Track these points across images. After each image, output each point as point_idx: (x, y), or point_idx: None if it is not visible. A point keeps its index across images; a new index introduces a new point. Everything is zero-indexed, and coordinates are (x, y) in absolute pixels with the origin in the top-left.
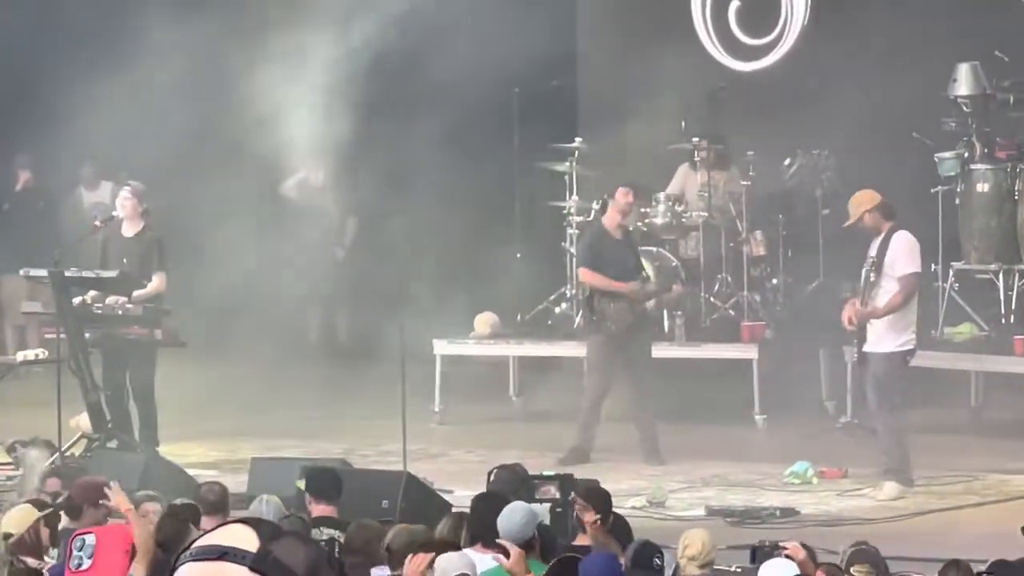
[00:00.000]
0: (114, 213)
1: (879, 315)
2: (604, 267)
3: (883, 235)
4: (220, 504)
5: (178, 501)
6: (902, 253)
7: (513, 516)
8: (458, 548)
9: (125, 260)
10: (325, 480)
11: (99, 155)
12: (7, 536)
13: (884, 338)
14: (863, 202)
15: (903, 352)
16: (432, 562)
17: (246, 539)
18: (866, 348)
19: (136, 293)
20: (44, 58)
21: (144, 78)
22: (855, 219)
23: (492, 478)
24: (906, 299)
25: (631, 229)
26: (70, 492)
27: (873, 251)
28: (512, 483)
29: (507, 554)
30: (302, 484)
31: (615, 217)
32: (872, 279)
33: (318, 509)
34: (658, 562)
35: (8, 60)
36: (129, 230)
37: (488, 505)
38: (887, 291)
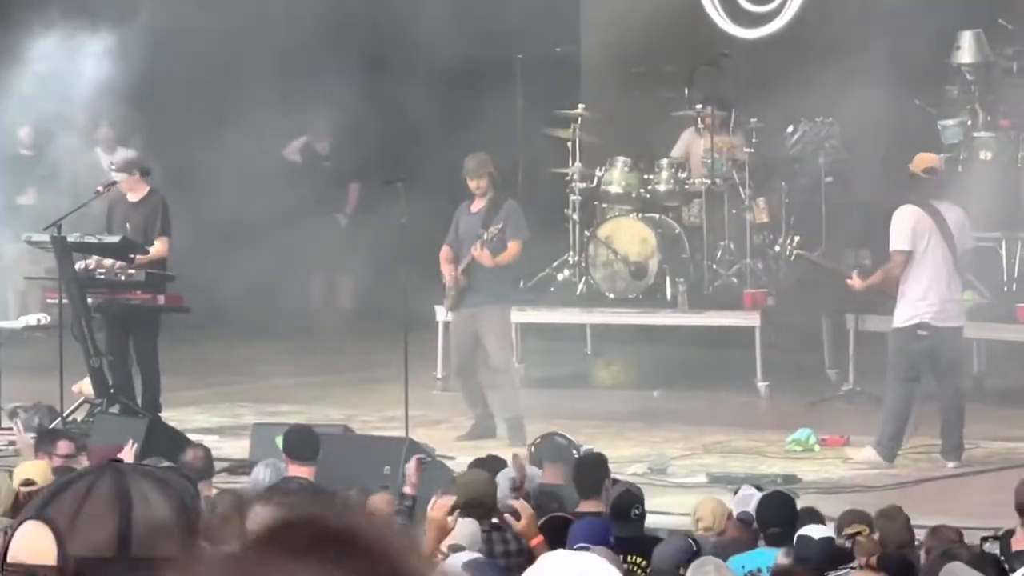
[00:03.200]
0: (116, 179)
1: (860, 288)
2: (460, 244)
3: None
4: (206, 470)
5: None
6: (892, 228)
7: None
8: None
9: (129, 225)
10: (301, 439)
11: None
12: (28, 482)
13: (895, 313)
14: (913, 163)
15: (909, 327)
16: (454, 510)
17: (45, 549)
18: None
19: (139, 258)
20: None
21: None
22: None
23: (535, 448)
24: (885, 277)
25: (493, 199)
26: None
27: None
28: (563, 448)
29: (518, 516)
30: (280, 442)
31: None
32: None
33: (294, 469)
34: (636, 512)
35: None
36: (134, 195)
37: (485, 469)
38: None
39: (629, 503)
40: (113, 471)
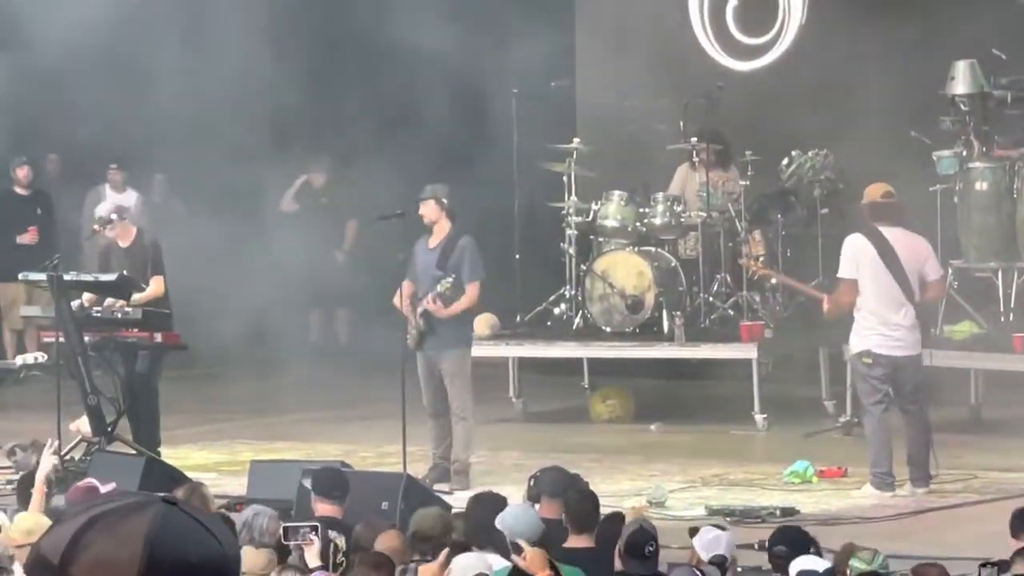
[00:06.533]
0: (112, 216)
1: (826, 311)
2: (417, 280)
3: None
4: (203, 508)
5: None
6: (841, 257)
7: (525, 515)
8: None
9: (125, 271)
10: (330, 480)
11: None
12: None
13: (849, 341)
14: (865, 194)
15: (855, 355)
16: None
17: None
18: None
19: (135, 297)
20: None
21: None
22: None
23: (534, 481)
24: (835, 304)
25: (449, 235)
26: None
27: None
28: (561, 483)
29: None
30: (308, 482)
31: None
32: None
33: (322, 508)
34: (650, 550)
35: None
36: (124, 241)
37: (484, 506)
38: None
39: (643, 541)
40: (148, 502)
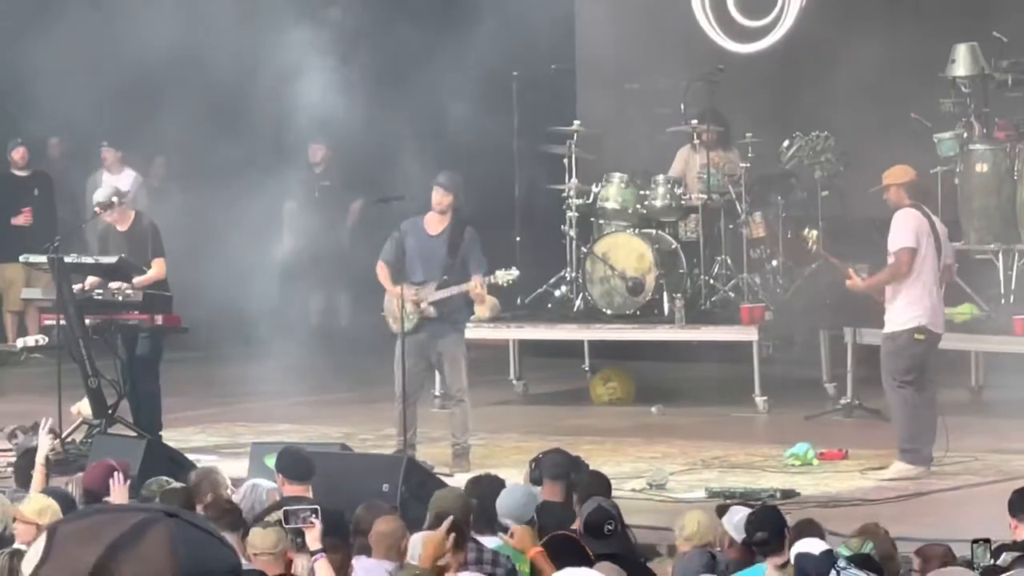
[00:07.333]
0: (113, 199)
1: (860, 288)
2: (409, 264)
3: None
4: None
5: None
6: (895, 228)
7: (513, 496)
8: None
9: (124, 254)
10: (294, 460)
11: (117, 141)
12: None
13: (889, 317)
14: (892, 175)
15: (907, 330)
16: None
17: (32, 559)
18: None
19: (137, 280)
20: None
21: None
22: (882, 187)
23: (536, 464)
24: (892, 275)
25: (455, 224)
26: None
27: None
28: (562, 466)
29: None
30: (271, 462)
31: (433, 212)
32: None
33: (290, 489)
34: (610, 528)
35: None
36: (122, 225)
37: (483, 488)
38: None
39: (603, 519)
40: (154, 519)
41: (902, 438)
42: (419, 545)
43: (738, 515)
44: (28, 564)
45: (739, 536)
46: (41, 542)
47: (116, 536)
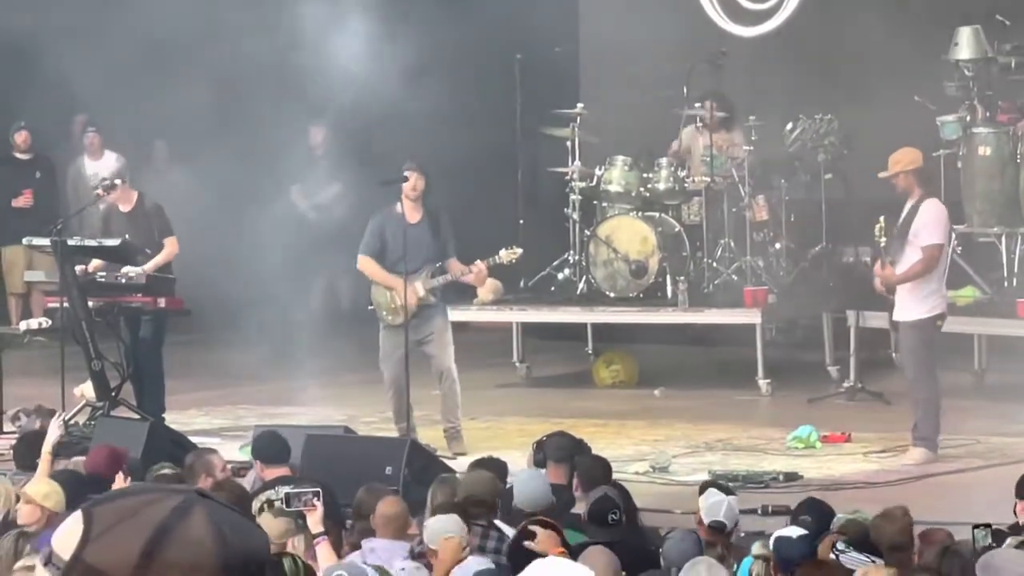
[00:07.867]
0: (116, 181)
1: (895, 282)
2: (395, 254)
3: (914, 201)
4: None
5: (166, 470)
6: (928, 223)
7: (532, 484)
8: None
9: (127, 235)
10: (268, 444)
11: (101, 124)
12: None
13: (909, 307)
14: (902, 161)
15: (932, 318)
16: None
17: (71, 541)
18: (895, 317)
19: (150, 263)
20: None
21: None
22: (890, 174)
23: (539, 447)
24: (926, 269)
25: (428, 208)
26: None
27: (903, 215)
28: (566, 449)
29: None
30: (247, 452)
31: (407, 199)
32: (885, 244)
33: (270, 472)
34: (614, 518)
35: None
36: (125, 205)
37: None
38: (909, 259)
39: (608, 508)
40: (191, 501)
41: (928, 427)
42: (437, 536)
43: (712, 498)
44: (63, 547)
45: (707, 520)
46: (72, 523)
47: (160, 519)
